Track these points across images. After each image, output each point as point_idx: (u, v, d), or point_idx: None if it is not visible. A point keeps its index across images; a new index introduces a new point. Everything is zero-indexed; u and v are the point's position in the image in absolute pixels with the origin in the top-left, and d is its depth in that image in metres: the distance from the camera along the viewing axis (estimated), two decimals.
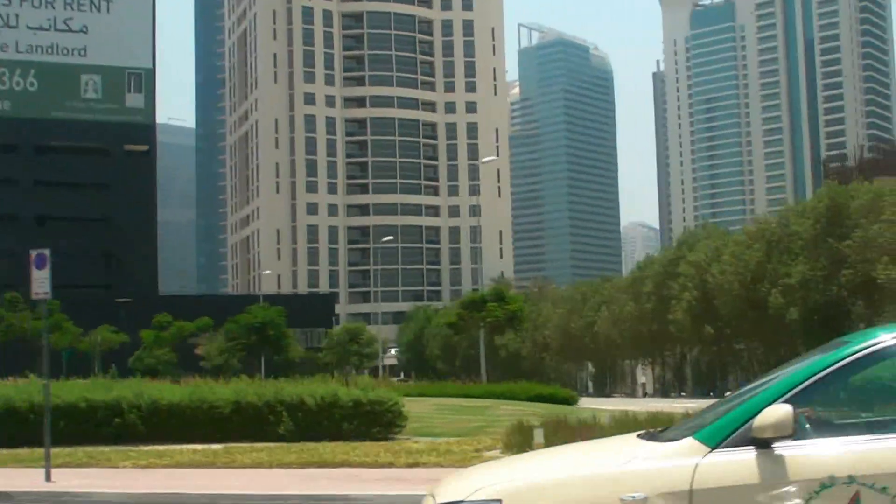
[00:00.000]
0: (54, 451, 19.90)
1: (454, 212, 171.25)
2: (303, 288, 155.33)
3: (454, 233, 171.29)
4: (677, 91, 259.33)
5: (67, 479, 15.66)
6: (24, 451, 19.94)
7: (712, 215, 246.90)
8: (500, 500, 5.14)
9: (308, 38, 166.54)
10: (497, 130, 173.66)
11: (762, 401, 5.17)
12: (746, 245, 65.52)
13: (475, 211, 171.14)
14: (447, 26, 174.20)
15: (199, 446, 20.32)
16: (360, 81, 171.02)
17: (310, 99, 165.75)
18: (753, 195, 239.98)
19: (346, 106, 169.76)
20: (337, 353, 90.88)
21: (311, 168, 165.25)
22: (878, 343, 5.29)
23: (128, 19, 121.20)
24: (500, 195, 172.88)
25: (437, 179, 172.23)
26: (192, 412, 22.81)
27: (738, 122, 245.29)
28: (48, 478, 15.78)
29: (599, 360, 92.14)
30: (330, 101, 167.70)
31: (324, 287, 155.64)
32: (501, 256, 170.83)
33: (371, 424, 22.71)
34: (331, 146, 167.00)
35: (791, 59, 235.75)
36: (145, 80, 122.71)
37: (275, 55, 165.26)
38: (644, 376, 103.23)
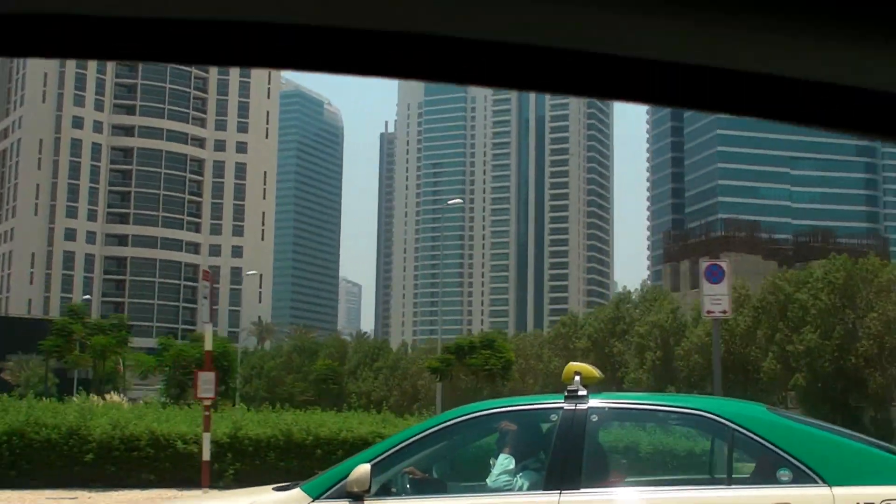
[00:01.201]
0: None
1: (215, 251, 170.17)
2: (55, 315, 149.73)
3: (213, 272, 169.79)
4: (406, 154, 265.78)
5: None
6: None
7: (432, 276, 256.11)
8: None
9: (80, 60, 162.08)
10: (265, 173, 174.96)
11: (359, 460, 5.90)
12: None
13: (237, 252, 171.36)
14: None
15: None
16: (130, 110, 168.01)
17: (77, 122, 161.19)
18: (472, 260, 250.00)
19: (114, 133, 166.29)
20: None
21: (73, 193, 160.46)
22: (450, 420, 6.29)
23: None
24: (263, 238, 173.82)
25: (200, 216, 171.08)
26: None
27: (463, 190, 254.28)
28: None
29: None
30: (97, 127, 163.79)
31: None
32: (260, 300, 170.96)
33: None
34: (94, 173, 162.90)
35: (521, 134, 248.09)
36: None
37: (45, 74, 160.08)
38: None
